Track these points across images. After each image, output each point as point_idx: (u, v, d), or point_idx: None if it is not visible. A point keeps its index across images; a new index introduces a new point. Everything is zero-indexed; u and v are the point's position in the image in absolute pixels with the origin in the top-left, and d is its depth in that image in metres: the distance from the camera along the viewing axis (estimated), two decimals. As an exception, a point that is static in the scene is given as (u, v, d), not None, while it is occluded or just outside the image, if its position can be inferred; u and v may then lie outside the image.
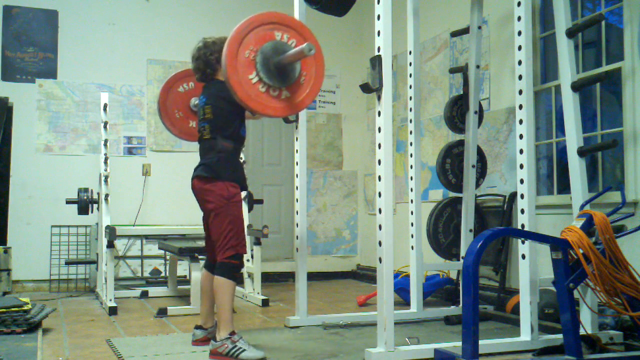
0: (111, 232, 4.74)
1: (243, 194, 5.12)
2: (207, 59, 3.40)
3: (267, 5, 6.92)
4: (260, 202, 5.76)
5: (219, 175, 3.26)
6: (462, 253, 4.56)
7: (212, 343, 3.19)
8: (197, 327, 3.50)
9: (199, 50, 3.44)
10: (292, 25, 3.17)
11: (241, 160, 3.85)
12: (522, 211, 3.41)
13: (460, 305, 4.35)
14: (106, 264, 4.80)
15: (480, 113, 4.66)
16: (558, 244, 2.94)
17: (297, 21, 3.27)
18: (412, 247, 4.35)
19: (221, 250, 3.25)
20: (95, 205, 5.41)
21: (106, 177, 5.12)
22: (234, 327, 3.22)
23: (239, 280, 3.32)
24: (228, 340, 3.14)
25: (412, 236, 4.35)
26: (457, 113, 4.75)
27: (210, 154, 3.32)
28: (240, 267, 3.32)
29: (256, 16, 3.06)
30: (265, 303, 4.99)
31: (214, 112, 3.32)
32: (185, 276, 6.05)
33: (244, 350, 3.11)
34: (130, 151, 6.42)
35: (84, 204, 5.32)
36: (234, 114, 3.31)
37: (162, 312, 4.49)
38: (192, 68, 3.52)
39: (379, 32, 3.20)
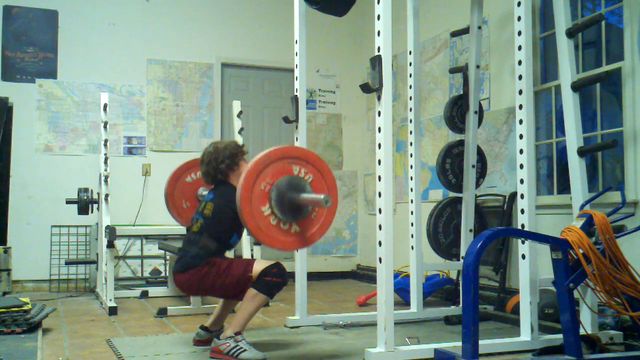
0: (111, 232, 4.74)
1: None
2: (218, 166, 3.37)
3: (267, 5, 6.97)
4: (260, 202, 5.74)
5: (194, 264, 3.19)
6: (462, 253, 4.56)
7: (215, 341, 3.19)
8: (203, 328, 3.49)
9: (209, 156, 3.39)
10: (311, 161, 3.12)
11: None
12: (522, 211, 3.41)
13: (460, 305, 4.35)
14: (106, 264, 4.80)
15: (480, 113, 4.66)
16: (558, 244, 2.94)
17: (317, 157, 3.20)
18: (412, 247, 4.35)
19: (246, 285, 3.19)
20: (95, 205, 5.41)
21: (106, 177, 5.11)
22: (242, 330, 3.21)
23: (272, 295, 3.27)
24: (231, 339, 3.14)
25: (412, 236, 4.35)
26: (457, 113, 4.74)
27: (192, 247, 3.26)
28: (282, 285, 3.23)
29: (275, 150, 3.01)
30: (265, 303, 4.98)
31: (214, 213, 3.28)
32: (185, 276, 6.05)
33: (245, 350, 3.11)
34: (130, 151, 6.42)
35: (84, 204, 5.32)
36: (232, 224, 3.25)
37: (162, 312, 4.49)
38: (201, 171, 3.48)
39: (379, 32, 3.19)
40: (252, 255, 5.24)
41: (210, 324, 3.50)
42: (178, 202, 4.19)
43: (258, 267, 3.19)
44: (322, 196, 2.92)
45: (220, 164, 3.38)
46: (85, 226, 6.11)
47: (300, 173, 3.07)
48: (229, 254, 3.48)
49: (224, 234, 3.29)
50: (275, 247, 3.07)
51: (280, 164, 3.01)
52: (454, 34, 4.99)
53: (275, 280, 3.19)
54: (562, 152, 4.46)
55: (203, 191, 4.15)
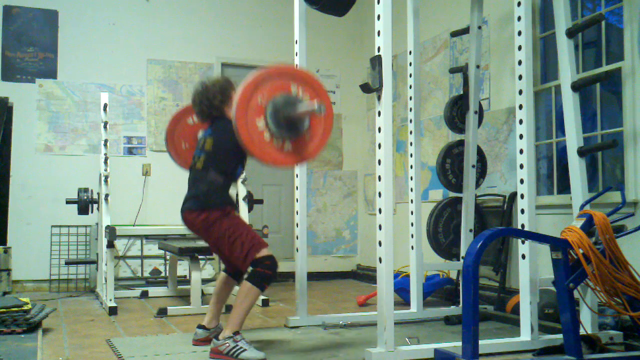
0: (111, 232, 4.74)
1: (243, 193, 5.13)
2: (211, 102, 3.37)
3: (267, 5, 6.96)
4: (260, 202, 5.76)
5: (210, 205, 3.23)
6: (462, 253, 4.56)
7: (214, 341, 3.19)
8: (200, 327, 3.50)
9: (200, 95, 3.40)
10: (310, 82, 3.16)
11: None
12: (522, 211, 3.41)
13: (460, 305, 4.35)
14: (106, 264, 4.80)
15: (480, 113, 4.66)
16: (558, 244, 2.94)
17: (316, 79, 3.24)
18: (412, 247, 4.35)
19: (243, 262, 3.23)
20: (95, 205, 5.41)
21: (106, 177, 5.11)
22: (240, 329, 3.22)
23: (264, 289, 3.28)
24: (230, 340, 3.14)
25: (412, 236, 4.35)
26: (457, 113, 4.74)
27: (199, 184, 3.29)
28: (272, 278, 3.25)
29: (276, 67, 3.07)
30: (265, 303, 4.99)
31: (215, 146, 3.30)
32: (185, 276, 6.05)
33: (245, 350, 3.11)
34: (130, 151, 6.42)
35: (84, 204, 5.32)
36: (234, 155, 3.27)
37: (162, 312, 4.49)
38: (195, 111, 3.48)
39: (379, 32, 3.19)
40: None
41: (206, 322, 3.50)
42: (177, 142, 4.14)
43: (259, 254, 3.21)
44: (315, 103, 2.95)
45: (212, 100, 3.37)
46: (85, 226, 6.11)
47: (298, 92, 3.09)
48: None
49: (228, 167, 3.30)
50: (266, 162, 3.12)
51: (279, 81, 3.04)
52: (454, 34, 4.99)
53: (267, 273, 3.20)
54: (562, 152, 4.46)
55: (202, 133, 4.12)
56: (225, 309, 3.76)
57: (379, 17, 3.20)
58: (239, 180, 5.06)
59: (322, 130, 3.19)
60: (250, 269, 3.24)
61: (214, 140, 3.31)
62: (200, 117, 3.47)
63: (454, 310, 4.43)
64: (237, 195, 5.10)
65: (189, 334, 3.70)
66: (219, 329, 3.40)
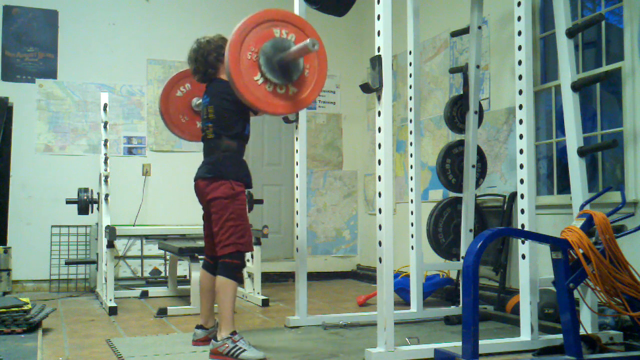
0: (111, 232, 4.74)
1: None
2: (206, 59, 3.38)
3: (267, 5, 6.95)
4: (260, 202, 5.76)
5: (224, 175, 3.26)
6: (462, 253, 4.56)
7: (213, 343, 3.19)
8: (198, 327, 3.50)
9: (195, 52, 3.41)
10: (290, 20, 3.16)
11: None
12: (522, 211, 3.41)
13: (460, 305, 4.35)
14: (106, 264, 4.80)
15: (480, 113, 4.66)
16: (558, 244, 2.94)
17: (294, 15, 3.27)
18: (412, 247, 4.35)
19: (220, 246, 3.24)
20: (95, 205, 5.41)
21: (106, 177, 5.11)
22: (235, 327, 3.22)
23: (240, 280, 3.31)
24: (229, 340, 3.14)
25: (412, 236, 4.35)
26: (457, 113, 4.75)
27: (214, 153, 3.31)
28: (241, 267, 3.30)
29: (252, 17, 3.05)
30: (265, 303, 4.99)
31: (217, 112, 3.31)
32: (185, 276, 6.05)
33: (244, 350, 3.11)
34: (130, 151, 6.42)
35: (84, 204, 5.32)
36: (237, 114, 3.29)
37: (162, 312, 4.49)
38: (190, 70, 3.49)
39: (379, 32, 3.19)
40: (252, 255, 5.24)
41: (204, 322, 3.50)
42: (175, 119, 4.13)
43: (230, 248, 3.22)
44: (307, 41, 2.95)
45: (207, 56, 3.37)
46: (85, 226, 6.11)
47: (282, 35, 3.08)
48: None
49: (237, 128, 3.31)
50: (276, 113, 3.13)
51: (260, 29, 3.03)
52: (454, 34, 5.00)
53: (235, 262, 3.23)
54: (562, 152, 4.46)
55: (197, 100, 4.11)
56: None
57: (379, 17, 3.20)
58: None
59: (317, 64, 3.18)
60: (219, 261, 3.25)
61: (215, 107, 3.32)
62: (196, 75, 3.47)
63: (454, 310, 4.43)
64: (247, 195, 5.08)
65: (189, 334, 3.70)
66: (216, 330, 3.40)
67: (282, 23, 3.10)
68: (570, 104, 3.62)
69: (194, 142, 4.13)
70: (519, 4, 3.47)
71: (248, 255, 5.16)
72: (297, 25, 3.17)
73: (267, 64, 3.02)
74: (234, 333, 3.16)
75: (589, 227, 3.00)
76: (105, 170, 5.14)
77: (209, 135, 3.35)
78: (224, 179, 3.25)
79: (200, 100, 3.79)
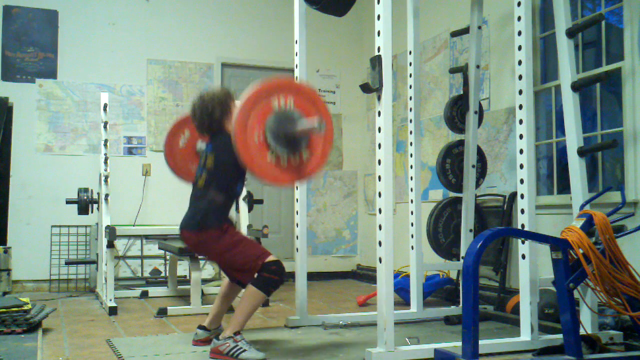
0: (111, 232, 4.74)
1: (243, 194, 5.12)
2: (211, 116, 3.33)
3: (267, 5, 6.96)
4: (260, 202, 5.76)
5: (207, 225, 3.21)
6: (462, 253, 4.56)
7: (214, 342, 3.19)
8: (201, 327, 3.49)
9: (200, 108, 3.35)
10: (282, 86, 3.12)
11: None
12: (522, 211, 3.41)
13: (460, 305, 4.35)
14: (106, 264, 4.80)
15: (480, 113, 4.66)
16: (558, 244, 2.94)
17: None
18: (412, 247, 4.35)
19: (250, 271, 3.22)
20: (95, 205, 5.40)
21: (106, 177, 5.11)
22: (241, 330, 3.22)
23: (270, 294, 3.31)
24: (230, 340, 3.14)
25: (412, 236, 4.35)
26: (457, 113, 4.74)
27: (200, 202, 3.27)
28: (279, 283, 3.24)
29: (247, 99, 3.00)
30: (265, 303, 4.99)
31: (216, 164, 3.28)
32: (185, 276, 6.05)
33: (245, 350, 3.11)
34: (130, 151, 6.42)
35: (84, 204, 5.31)
36: (234, 171, 3.25)
37: (162, 312, 4.49)
38: (195, 125, 3.43)
39: (379, 32, 3.19)
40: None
41: (208, 323, 3.50)
42: (186, 169, 4.05)
43: (266, 259, 3.21)
44: (315, 120, 2.95)
45: (212, 113, 3.32)
46: (85, 226, 6.11)
47: (280, 103, 3.07)
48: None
49: (229, 184, 3.29)
50: (267, 181, 3.15)
51: (258, 108, 3.01)
52: (454, 34, 4.99)
53: (274, 278, 3.20)
54: (562, 152, 4.46)
55: (201, 145, 4.09)
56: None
57: (379, 17, 3.20)
58: (240, 198, 5.06)
59: (322, 146, 3.17)
60: (256, 274, 3.23)
61: (215, 157, 3.29)
62: (200, 130, 3.43)
63: (454, 310, 4.43)
64: (237, 207, 5.08)
65: (189, 334, 3.69)
66: (219, 331, 3.40)
67: (276, 92, 3.07)
68: (570, 104, 3.62)
69: None
70: (519, 4, 3.47)
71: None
72: (292, 89, 3.14)
73: (275, 139, 3.01)
74: (237, 333, 3.16)
75: (589, 227, 2.99)
76: (105, 170, 5.14)
77: (199, 182, 3.32)
78: (207, 228, 3.21)
79: (204, 145, 3.74)
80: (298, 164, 3.10)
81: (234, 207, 4.27)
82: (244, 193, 5.12)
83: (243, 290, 3.35)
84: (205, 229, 3.21)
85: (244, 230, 5.00)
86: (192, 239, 3.28)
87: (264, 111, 3.01)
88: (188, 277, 5.69)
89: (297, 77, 4.18)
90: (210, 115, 3.33)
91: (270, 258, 3.23)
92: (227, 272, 3.48)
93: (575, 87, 3.61)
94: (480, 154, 4.73)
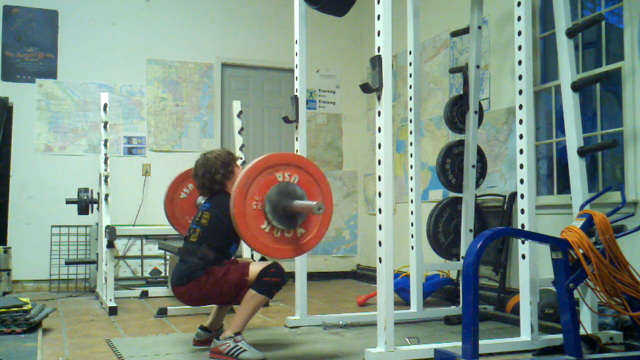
0: (111, 232, 4.74)
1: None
2: (213, 177, 3.35)
3: (267, 5, 6.96)
4: (260, 202, 5.75)
5: (194, 278, 3.17)
6: (462, 253, 4.56)
7: (215, 341, 3.19)
8: (202, 328, 3.49)
9: (203, 168, 3.37)
10: (291, 162, 3.11)
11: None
12: (522, 211, 3.41)
13: (460, 305, 4.35)
14: (106, 264, 4.80)
15: (480, 113, 4.66)
16: (558, 244, 2.94)
17: (295, 156, 3.23)
18: (412, 247, 4.35)
19: (250, 281, 3.20)
20: (95, 205, 5.41)
21: (106, 177, 5.11)
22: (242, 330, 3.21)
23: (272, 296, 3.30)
24: (231, 340, 3.13)
25: (412, 236, 4.35)
26: (457, 113, 4.74)
27: (190, 258, 3.24)
28: (281, 284, 3.23)
29: (253, 165, 2.99)
30: (265, 303, 4.98)
31: (212, 223, 3.27)
32: (185, 276, 6.04)
33: (245, 350, 3.11)
34: (130, 151, 6.42)
35: (84, 204, 5.32)
36: (230, 233, 3.20)
37: (162, 312, 4.49)
38: (196, 185, 3.46)
39: (379, 32, 3.19)
40: (252, 256, 5.24)
41: (209, 324, 3.50)
42: (182, 220, 4.19)
43: (254, 269, 3.19)
44: (314, 204, 2.93)
45: (215, 174, 3.36)
46: (85, 226, 6.11)
47: (284, 178, 3.05)
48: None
49: (222, 244, 3.28)
50: (285, 257, 3.10)
51: (262, 177, 2.99)
52: (454, 34, 4.99)
53: (274, 280, 3.19)
54: (562, 152, 4.46)
55: (201, 200, 4.12)
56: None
57: (379, 17, 3.20)
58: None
59: (318, 226, 3.15)
60: (257, 280, 3.19)
61: (211, 216, 3.29)
62: (201, 190, 3.45)
63: (454, 310, 4.43)
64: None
65: (189, 334, 3.70)
66: (220, 332, 3.39)
67: (284, 166, 3.06)
68: (570, 104, 3.62)
69: None
70: (519, 4, 3.47)
71: (247, 254, 5.15)
72: (298, 166, 3.12)
73: (273, 211, 2.99)
74: (237, 333, 3.16)
75: (589, 227, 3.00)
76: (105, 170, 5.14)
77: (192, 237, 3.30)
78: (199, 278, 3.17)
79: (203, 200, 3.74)
80: (291, 238, 3.07)
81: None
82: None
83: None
84: (191, 279, 3.17)
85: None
86: (182, 293, 3.22)
87: (268, 182, 3.00)
88: (188, 277, 5.69)
89: (297, 77, 4.18)
90: (212, 176, 3.36)
91: (260, 266, 3.18)
92: (226, 304, 3.44)
93: (575, 87, 3.61)
94: (480, 154, 4.74)
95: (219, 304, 3.46)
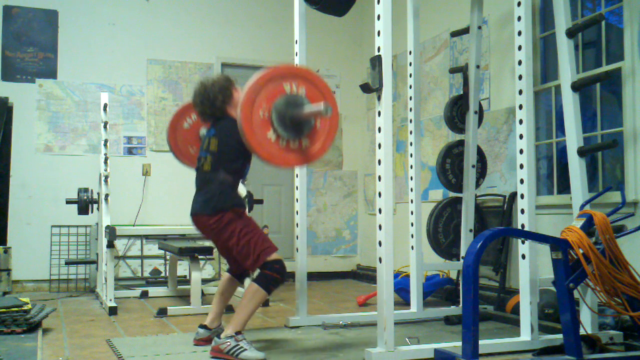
0: (111, 232, 4.74)
1: (243, 193, 5.11)
2: (212, 103, 3.36)
3: (267, 5, 6.96)
4: (260, 202, 5.76)
5: (223, 208, 3.23)
6: (462, 253, 4.56)
7: (215, 340, 3.20)
8: (202, 326, 3.49)
9: (201, 96, 3.38)
10: (300, 74, 3.16)
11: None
12: (522, 211, 3.41)
13: (460, 305, 4.35)
14: (106, 264, 4.80)
15: (480, 113, 4.66)
16: (558, 244, 2.94)
17: (304, 69, 3.27)
18: (412, 247, 4.35)
19: (252, 263, 3.23)
20: (95, 205, 5.41)
21: (106, 177, 5.11)
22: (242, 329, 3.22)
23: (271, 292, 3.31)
24: (231, 339, 3.14)
25: (412, 236, 4.35)
26: (457, 113, 4.74)
27: (209, 185, 3.28)
28: (280, 282, 3.25)
29: (262, 75, 3.03)
30: (265, 303, 4.99)
31: (220, 147, 3.29)
32: (185, 276, 6.05)
33: (245, 350, 3.11)
34: (130, 151, 6.42)
35: (84, 204, 5.31)
36: (240, 153, 3.27)
37: (162, 312, 4.49)
38: (197, 111, 3.47)
39: (379, 32, 3.19)
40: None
41: (209, 322, 3.50)
42: (185, 150, 4.12)
43: (270, 257, 3.22)
44: (321, 105, 2.97)
45: (214, 100, 3.36)
46: (85, 226, 6.11)
47: (292, 89, 3.09)
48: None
49: (236, 165, 3.31)
50: (273, 163, 3.14)
51: (271, 86, 3.04)
52: (454, 34, 4.99)
53: (275, 276, 3.21)
54: (562, 152, 4.46)
55: (204, 130, 4.11)
56: (226, 309, 3.76)
57: (379, 17, 3.20)
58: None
59: (327, 130, 3.20)
60: (258, 271, 3.24)
61: (219, 141, 3.31)
62: (203, 117, 3.47)
63: (454, 310, 4.43)
64: (247, 195, 5.09)
65: (189, 334, 3.70)
66: (220, 329, 3.40)
67: (292, 78, 3.10)
68: (570, 104, 3.62)
69: None
70: (519, 4, 3.47)
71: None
72: (307, 79, 3.16)
73: (279, 120, 3.03)
74: (238, 333, 3.16)
75: (589, 227, 3.00)
76: (105, 170, 5.14)
77: (205, 166, 3.33)
78: (224, 210, 3.23)
79: (205, 131, 3.74)
80: (297, 149, 3.12)
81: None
82: (243, 193, 5.12)
83: (240, 289, 3.36)
84: (221, 211, 3.22)
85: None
86: (205, 222, 3.27)
87: (275, 91, 3.05)
88: (188, 277, 5.69)
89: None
90: (212, 102, 3.36)
91: (274, 256, 3.23)
92: (231, 260, 3.49)
93: (575, 87, 3.61)
94: (480, 154, 4.73)
95: (224, 253, 3.44)
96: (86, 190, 5.37)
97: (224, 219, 3.22)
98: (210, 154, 3.32)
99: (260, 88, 3.00)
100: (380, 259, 3.15)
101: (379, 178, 3.17)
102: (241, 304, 3.20)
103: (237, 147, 3.20)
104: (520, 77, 3.46)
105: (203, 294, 5.01)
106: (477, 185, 4.69)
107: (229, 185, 3.28)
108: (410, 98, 4.39)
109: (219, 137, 3.32)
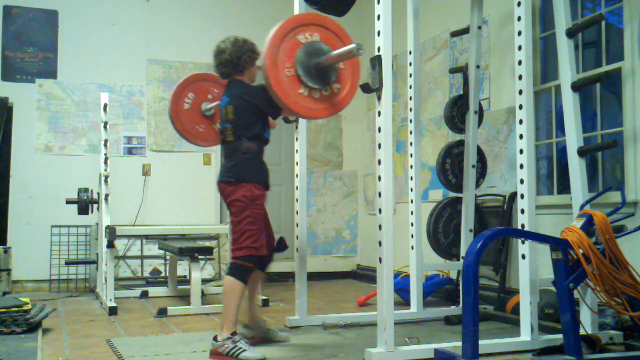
0: (111, 232, 4.74)
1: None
2: (239, 58, 3.40)
3: (267, 5, 6.96)
4: (260, 202, 5.75)
5: (244, 178, 3.28)
6: (462, 253, 4.56)
7: (213, 343, 3.19)
8: (245, 326, 3.55)
9: (231, 48, 3.39)
10: (309, 21, 3.19)
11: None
12: (522, 211, 3.41)
13: (460, 305, 4.35)
14: (106, 264, 4.80)
15: (480, 113, 4.66)
16: (558, 244, 2.94)
17: (311, 15, 3.30)
18: (412, 247, 4.35)
19: (235, 248, 3.26)
20: (95, 205, 5.41)
21: (106, 177, 5.11)
22: (237, 328, 3.22)
23: (247, 282, 3.30)
24: (229, 341, 3.14)
25: (412, 236, 4.35)
26: (457, 113, 4.74)
27: (234, 155, 3.33)
28: (251, 271, 3.28)
29: (274, 35, 3.06)
30: (265, 303, 4.99)
31: (237, 112, 3.32)
32: (185, 276, 6.05)
33: (244, 350, 3.11)
34: (130, 151, 6.42)
35: (84, 204, 5.32)
36: (256, 115, 3.32)
37: (162, 312, 4.49)
38: (220, 62, 3.43)
39: (379, 32, 3.20)
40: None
41: (248, 322, 3.55)
42: (194, 131, 4.12)
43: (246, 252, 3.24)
44: (352, 45, 3.01)
45: (242, 56, 3.40)
46: (85, 226, 6.11)
47: (307, 39, 3.13)
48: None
49: (257, 130, 3.33)
50: (325, 116, 3.27)
51: (286, 44, 3.08)
52: (454, 34, 4.99)
53: (246, 265, 3.24)
54: (562, 152, 4.46)
55: (206, 105, 4.09)
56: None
57: (379, 17, 3.20)
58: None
59: (350, 78, 3.26)
60: (231, 262, 3.29)
61: (234, 107, 3.33)
62: (224, 69, 3.43)
63: (454, 310, 4.43)
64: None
65: (189, 334, 3.70)
66: (261, 322, 3.50)
67: (303, 27, 3.13)
68: (570, 104, 3.62)
69: (216, 145, 4.10)
70: (519, 4, 3.47)
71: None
72: (317, 24, 3.20)
73: (306, 72, 3.08)
74: (234, 333, 3.17)
75: (589, 227, 3.00)
76: (105, 170, 5.14)
77: (228, 137, 3.36)
78: (244, 181, 3.27)
79: (210, 105, 3.75)
80: (329, 96, 3.18)
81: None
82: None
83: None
84: (240, 181, 3.26)
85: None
86: (224, 191, 3.33)
87: (293, 46, 3.07)
88: (188, 277, 5.69)
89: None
90: (239, 58, 3.39)
91: (247, 252, 3.23)
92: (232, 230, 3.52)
93: (575, 87, 3.61)
94: (480, 154, 4.73)
95: (234, 223, 3.41)
96: (86, 190, 5.38)
97: (240, 191, 3.25)
98: (229, 122, 3.35)
99: (277, 47, 3.03)
100: (380, 259, 3.14)
101: (379, 178, 3.17)
102: (224, 303, 3.23)
103: (251, 109, 3.27)
104: (520, 77, 3.46)
105: (203, 294, 5.01)
106: (477, 185, 4.69)
107: (254, 154, 3.32)
108: (410, 98, 4.39)
109: (233, 103, 3.34)
